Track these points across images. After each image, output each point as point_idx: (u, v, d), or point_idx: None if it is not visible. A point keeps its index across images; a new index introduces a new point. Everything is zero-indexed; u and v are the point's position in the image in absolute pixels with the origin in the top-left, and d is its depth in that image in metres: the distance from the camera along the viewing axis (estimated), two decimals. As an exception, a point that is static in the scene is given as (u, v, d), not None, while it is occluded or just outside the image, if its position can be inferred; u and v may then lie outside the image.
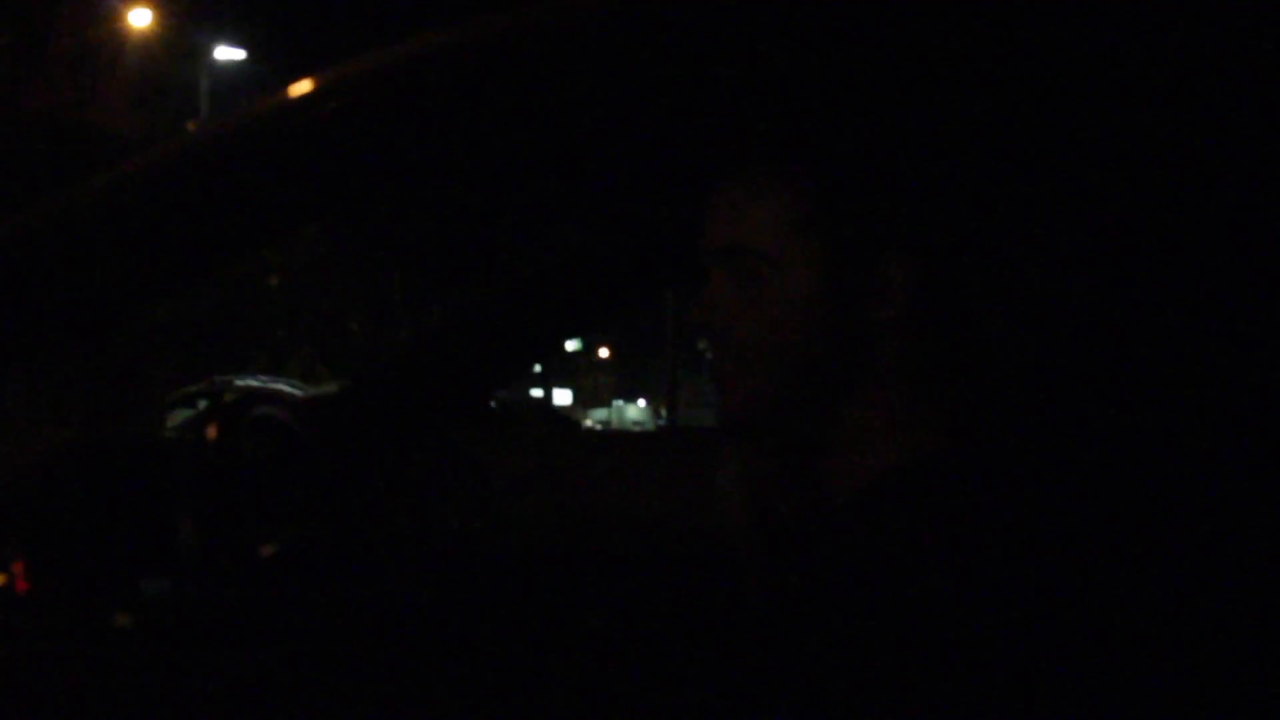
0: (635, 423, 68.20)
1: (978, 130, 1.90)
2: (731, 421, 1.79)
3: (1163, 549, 1.57)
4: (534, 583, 2.67)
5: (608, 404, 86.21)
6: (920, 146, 1.83)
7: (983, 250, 1.85)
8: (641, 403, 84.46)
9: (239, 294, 28.16)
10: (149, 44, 41.69)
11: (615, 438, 33.30)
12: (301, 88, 1.74)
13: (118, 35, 42.05)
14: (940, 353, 1.74)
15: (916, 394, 1.74)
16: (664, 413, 50.81)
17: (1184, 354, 1.63)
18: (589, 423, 57.66)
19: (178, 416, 22.90)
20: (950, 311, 1.74)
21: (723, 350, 1.80)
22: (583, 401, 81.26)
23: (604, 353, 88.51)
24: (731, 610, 2.10)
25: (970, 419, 1.78)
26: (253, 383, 24.34)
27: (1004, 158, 1.92)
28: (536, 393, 55.73)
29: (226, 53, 40.69)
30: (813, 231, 1.72)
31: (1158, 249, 1.66)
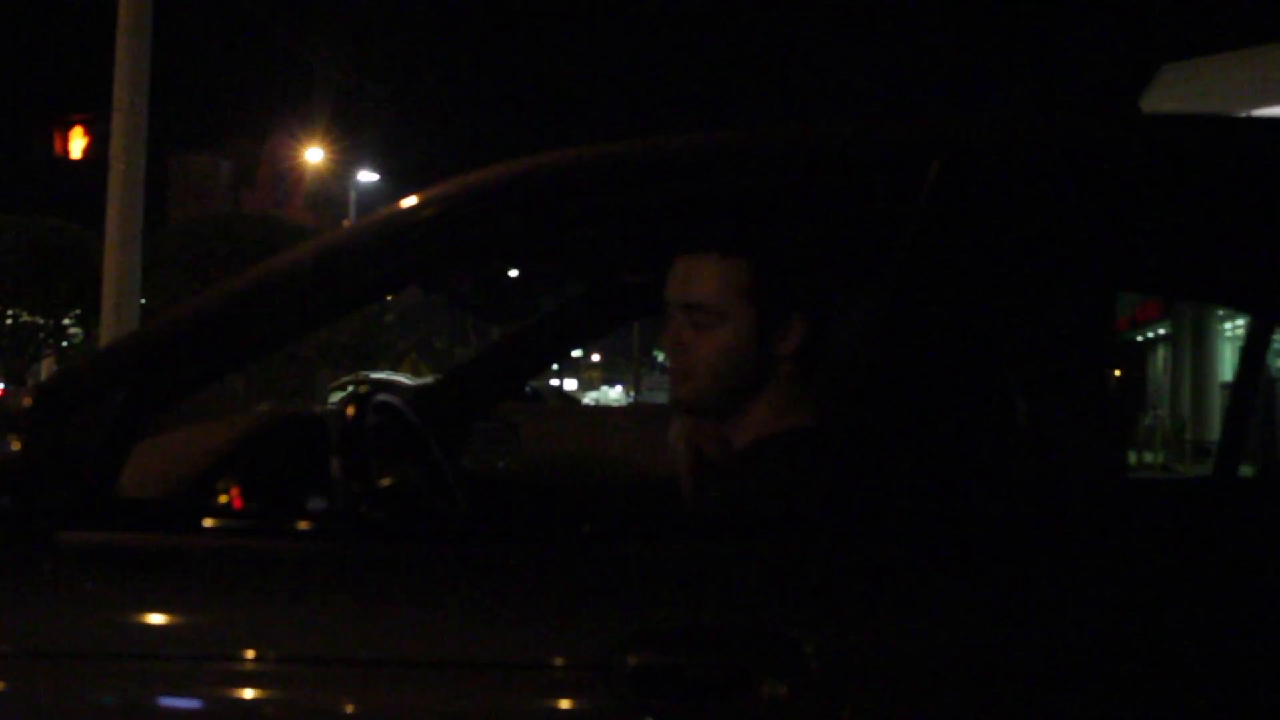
0: (614, 400, 68.10)
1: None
2: (681, 404, 1.97)
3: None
4: (549, 498, 2.65)
5: (598, 389, 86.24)
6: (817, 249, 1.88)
7: (842, 312, 1.89)
8: (619, 388, 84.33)
9: (372, 322, 27.95)
10: (319, 170, 41.45)
11: (601, 408, 33.57)
12: (409, 201, 1.73)
13: (300, 163, 41.82)
14: (810, 368, 1.82)
15: (793, 393, 1.81)
16: (632, 394, 51.51)
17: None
18: (586, 399, 57.59)
19: (335, 396, 22.79)
20: (820, 344, 1.82)
21: (677, 362, 1.93)
22: (582, 387, 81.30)
23: (595, 357, 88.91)
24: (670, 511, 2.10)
25: (822, 408, 1.84)
26: (380, 376, 24.28)
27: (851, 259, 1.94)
28: (555, 382, 55.44)
29: (367, 175, 40.52)
30: (749, 298, 1.87)
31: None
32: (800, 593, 1.45)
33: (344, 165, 42.80)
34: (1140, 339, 27.42)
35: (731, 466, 1.87)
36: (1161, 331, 26.20)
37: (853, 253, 2.09)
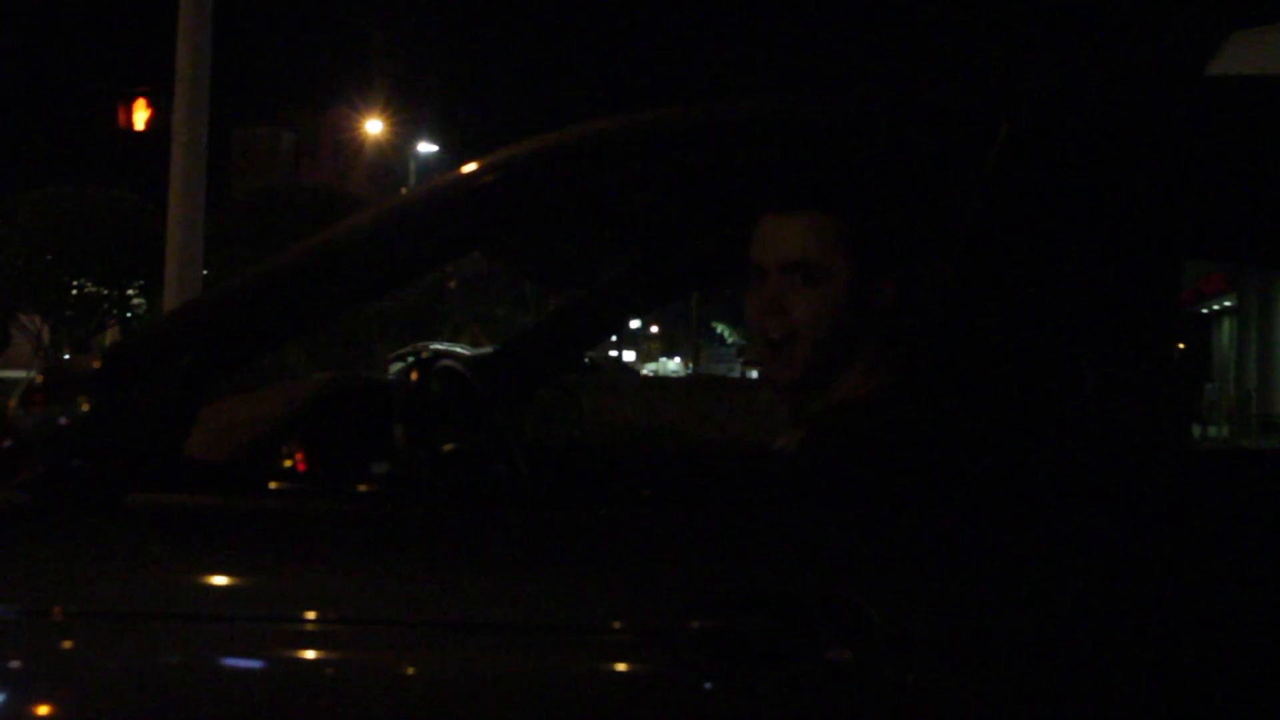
0: (673, 371, 68.08)
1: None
2: (781, 384, 1.91)
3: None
4: (609, 464, 2.66)
5: (656, 360, 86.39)
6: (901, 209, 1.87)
7: (928, 273, 1.87)
8: (677, 359, 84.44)
9: (432, 292, 28.05)
10: (379, 141, 41.67)
11: (661, 380, 33.60)
12: (467, 168, 1.73)
13: (360, 135, 42.04)
14: (895, 332, 1.81)
15: (878, 357, 1.87)
16: (690, 365, 51.51)
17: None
18: (644, 371, 57.67)
19: (394, 367, 22.91)
20: (907, 307, 1.80)
21: (774, 329, 1.87)
22: (641, 358, 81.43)
23: (654, 328, 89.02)
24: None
25: (904, 374, 1.83)
26: (439, 346, 24.32)
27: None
28: (613, 353, 55.51)
29: (426, 147, 40.72)
30: (849, 253, 1.84)
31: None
32: (868, 559, 1.45)
33: (404, 136, 43.07)
34: (1205, 311, 27.01)
35: (811, 435, 1.86)
36: (1227, 304, 25.78)
37: (928, 216, 2.07)
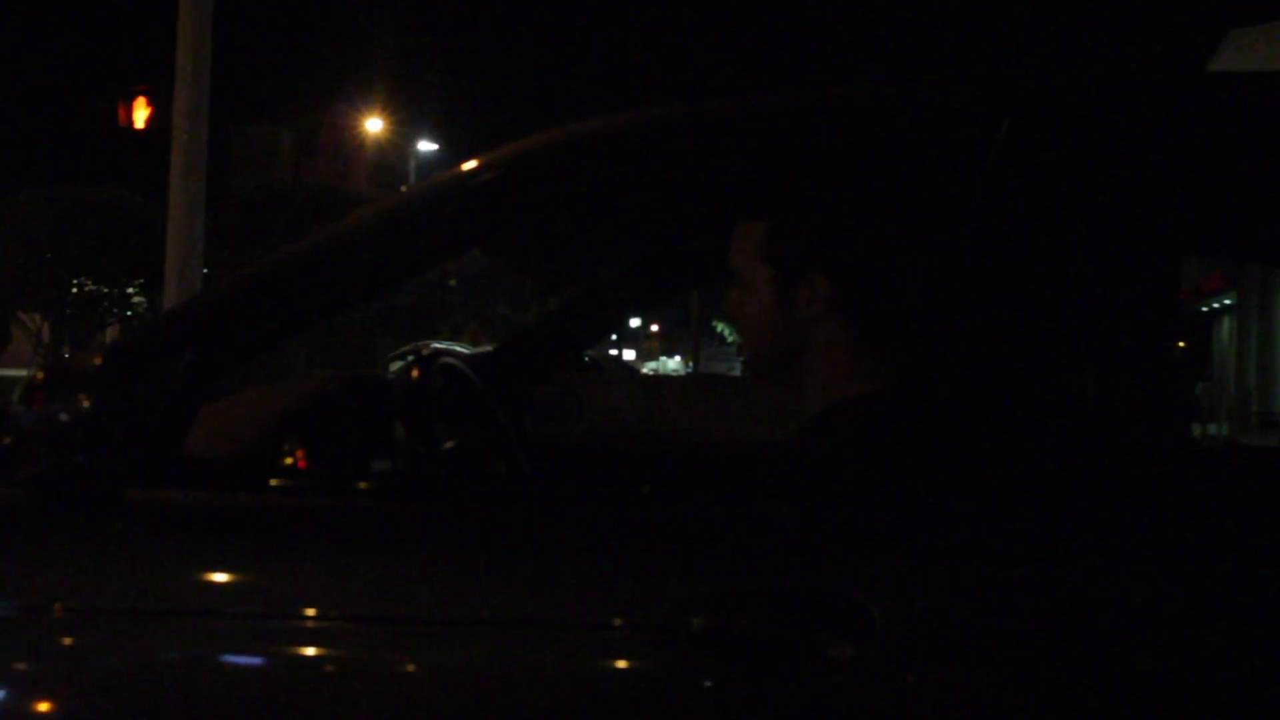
0: (673, 370, 68.12)
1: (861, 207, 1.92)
2: (749, 370, 1.99)
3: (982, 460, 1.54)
4: (609, 460, 2.66)
5: (656, 359, 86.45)
6: (829, 214, 1.85)
7: (878, 270, 1.85)
8: (677, 358, 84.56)
9: (432, 291, 28.08)
10: (379, 140, 41.70)
11: (661, 378, 33.59)
12: (467, 166, 1.74)
13: (360, 134, 42.08)
14: (861, 331, 1.80)
15: (848, 358, 1.79)
16: (690, 364, 51.54)
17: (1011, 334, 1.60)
18: (645, 370, 57.70)
19: (394, 366, 22.90)
20: (862, 308, 1.79)
21: (738, 328, 1.97)
22: (641, 357, 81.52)
23: (654, 327, 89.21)
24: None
25: (881, 375, 1.82)
26: (439, 346, 24.32)
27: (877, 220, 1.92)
28: (613, 351, 55.55)
29: (426, 145, 40.77)
30: (766, 258, 1.86)
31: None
32: (868, 557, 1.44)
33: (404, 135, 43.12)
34: (1205, 309, 27.01)
35: (801, 433, 1.87)
36: (1227, 302, 25.79)
37: (893, 214, 2.06)
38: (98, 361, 1.64)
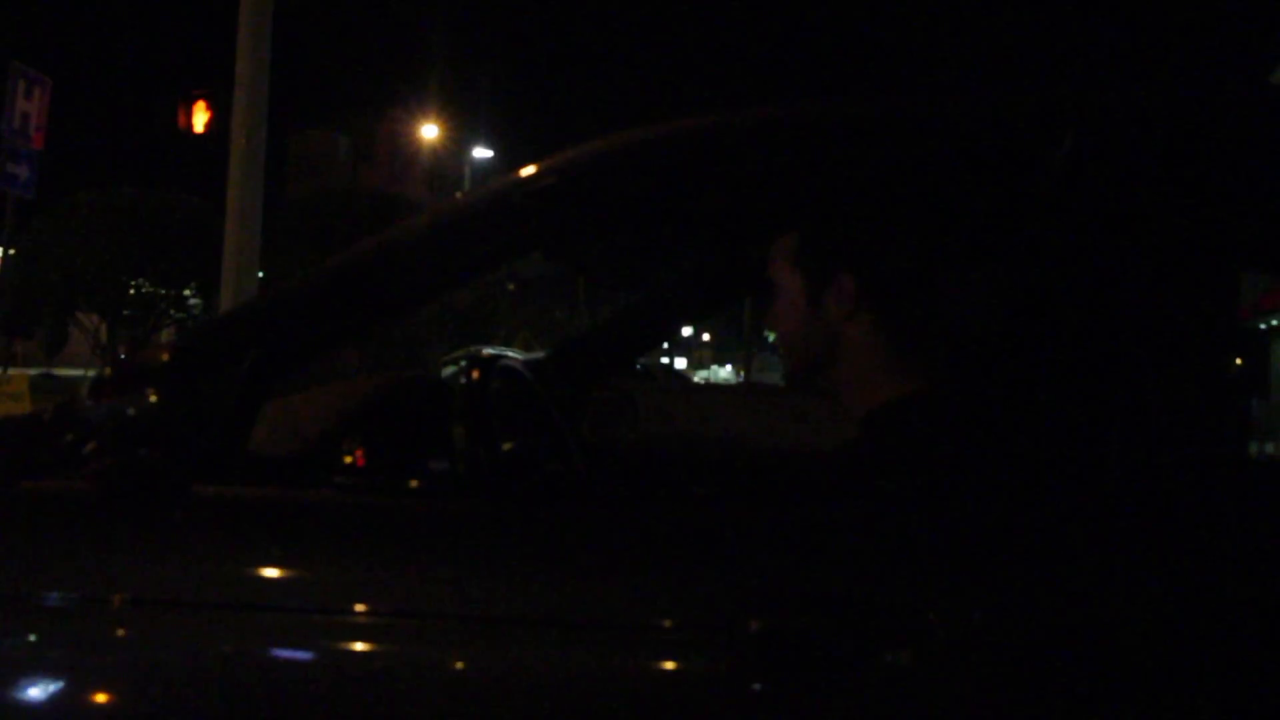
0: (725, 379, 67.79)
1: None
2: (789, 378, 1.95)
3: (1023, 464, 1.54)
4: (664, 465, 2.67)
5: (708, 367, 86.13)
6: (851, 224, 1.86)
7: (902, 268, 1.86)
8: (729, 367, 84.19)
9: (487, 295, 28.15)
10: (434, 147, 41.91)
11: (713, 386, 33.51)
12: (526, 170, 1.75)
13: (416, 141, 42.31)
14: (897, 333, 1.80)
15: (880, 362, 1.80)
16: (743, 373, 51.27)
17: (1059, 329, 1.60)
18: (696, 378, 57.42)
19: (446, 370, 22.92)
20: (889, 306, 1.79)
21: (777, 336, 1.98)
22: (693, 366, 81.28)
23: (706, 336, 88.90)
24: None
25: (917, 375, 1.82)
26: (491, 351, 24.24)
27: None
28: (664, 360, 55.39)
29: (481, 152, 40.96)
30: (796, 264, 1.90)
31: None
32: (927, 563, 1.45)
33: (460, 142, 43.29)
34: (1264, 326, 26.56)
35: (852, 437, 1.88)
36: (1286, 319, 25.35)
37: (925, 218, 2.06)
38: (165, 359, 1.67)
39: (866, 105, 1.77)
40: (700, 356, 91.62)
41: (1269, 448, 19.63)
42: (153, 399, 1.63)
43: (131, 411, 1.63)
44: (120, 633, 1.51)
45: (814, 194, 1.94)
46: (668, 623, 1.43)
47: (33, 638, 1.52)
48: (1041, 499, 1.50)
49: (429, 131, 41.62)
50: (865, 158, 1.80)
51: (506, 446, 1.72)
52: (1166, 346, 1.68)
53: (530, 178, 1.75)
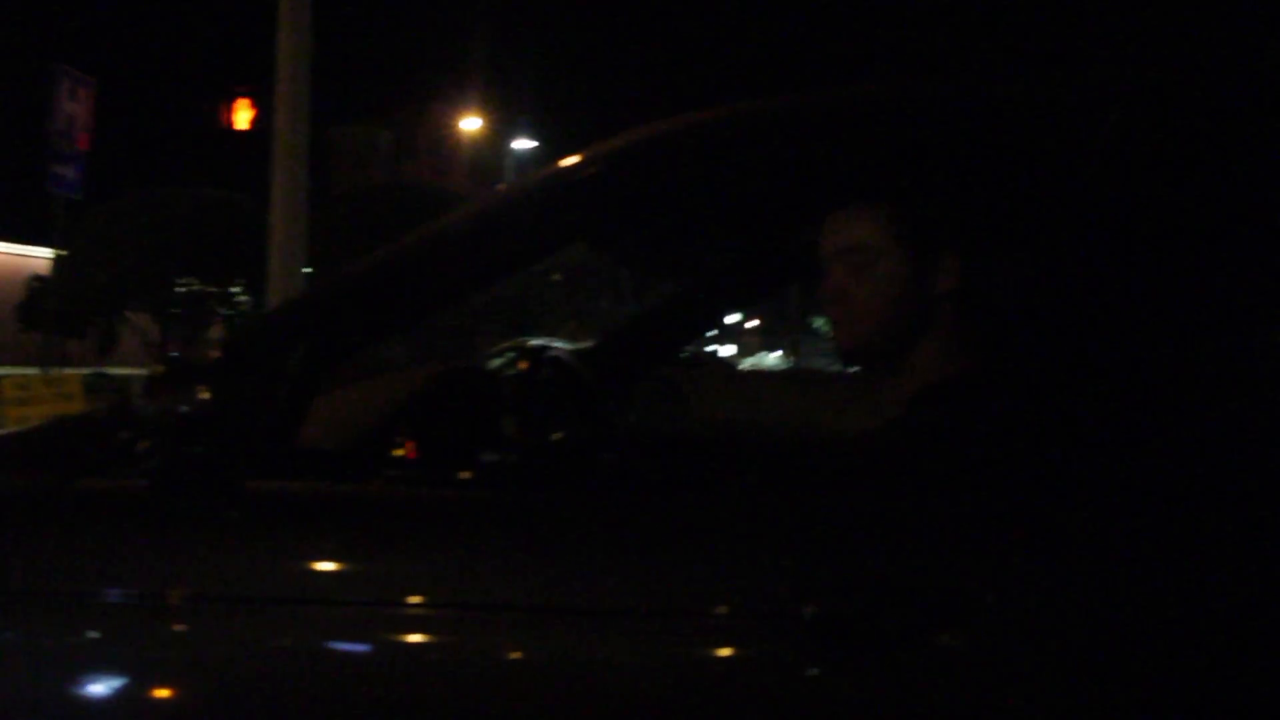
0: (772, 365, 67.62)
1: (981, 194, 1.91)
2: (848, 356, 1.98)
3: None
4: (712, 451, 2.67)
5: (755, 354, 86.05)
6: (955, 200, 1.85)
7: (1001, 251, 1.86)
8: (778, 353, 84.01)
9: (534, 286, 28.20)
10: (476, 139, 42.05)
11: (762, 373, 33.44)
12: (569, 160, 1.75)
13: (458, 133, 42.46)
14: (972, 314, 1.80)
15: (956, 339, 1.80)
16: (792, 359, 51.18)
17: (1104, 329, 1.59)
18: (744, 365, 57.31)
19: (494, 362, 22.90)
20: (981, 288, 1.79)
21: (839, 312, 1.93)
22: (741, 353, 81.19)
23: (753, 323, 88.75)
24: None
25: (977, 355, 1.82)
26: (538, 342, 24.21)
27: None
28: (712, 347, 55.32)
29: (523, 143, 41.07)
30: (901, 235, 1.87)
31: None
32: (979, 545, 1.45)
33: (501, 133, 43.38)
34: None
35: (904, 417, 1.87)
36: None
37: (1018, 200, 2.05)
38: (215, 357, 1.69)
39: (950, 84, 1.76)
40: (748, 343, 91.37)
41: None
42: (204, 397, 1.65)
43: (184, 409, 1.64)
44: (178, 628, 1.52)
45: (916, 172, 1.93)
46: (724, 609, 1.43)
47: (93, 634, 1.54)
48: (1095, 476, 1.48)
49: (470, 124, 41.83)
50: (956, 136, 1.79)
51: (556, 437, 1.72)
52: (1217, 330, 1.66)
53: (574, 167, 1.75)
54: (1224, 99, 1.65)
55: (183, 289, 23.24)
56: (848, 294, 1.92)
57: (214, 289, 23.42)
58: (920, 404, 1.84)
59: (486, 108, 42.50)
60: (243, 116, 11.62)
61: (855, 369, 1.99)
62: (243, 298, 23.62)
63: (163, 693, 1.52)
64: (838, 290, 1.94)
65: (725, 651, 1.42)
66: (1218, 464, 1.50)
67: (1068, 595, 1.39)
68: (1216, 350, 1.63)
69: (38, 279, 21.87)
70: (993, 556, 1.42)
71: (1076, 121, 1.64)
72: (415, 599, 1.50)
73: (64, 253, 20.49)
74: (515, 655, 1.47)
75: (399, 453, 2.11)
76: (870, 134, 1.77)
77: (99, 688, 1.52)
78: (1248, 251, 1.82)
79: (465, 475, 1.71)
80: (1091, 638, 1.37)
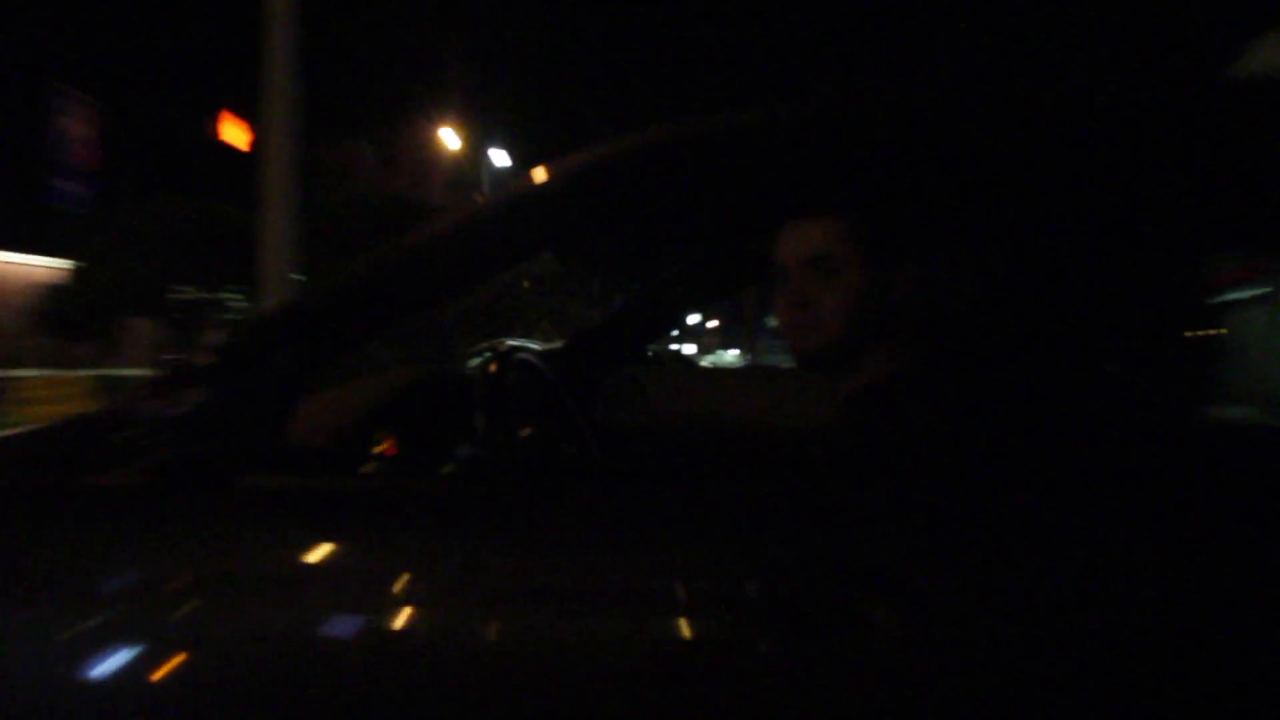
0: (730, 363, 67.60)
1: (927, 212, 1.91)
2: (807, 358, 1.96)
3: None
4: (675, 449, 2.67)
5: (714, 352, 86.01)
6: (902, 214, 1.86)
7: (947, 256, 1.87)
8: (735, 351, 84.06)
9: (506, 292, 28.15)
10: (454, 154, 41.88)
11: (719, 371, 33.38)
12: (536, 174, 1.76)
13: (437, 148, 42.25)
14: (915, 320, 1.81)
15: (899, 342, 1.83)
16: (748, 357, 51.22)
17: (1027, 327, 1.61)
18: (704, 362, 57.28)
19: (472, 362, 22.87)
20: (925, 297, 1.80)
21: (801, 318, 1.93)
22: (700, 351, 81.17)
23: (712, 323, 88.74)
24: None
25: (913, 355, 1.83)
26: (513, 342, 24.15)
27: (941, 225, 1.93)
28: (674, 346, 55.27)
29: (498, 157, 40.97)
30: (862, 249, 1.88)
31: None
32: (912, 530, 1.46)
33: (477, 149, 43.27)
34: (1234, 299, 26.41)
35: (848, 414, 1.88)
36: (1256, 292, 25.21)
37: (953, 213, 2.06)
38: (208, 361, 1.69)
39: (894, 100, 1.76)
40: (707, 342, 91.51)
41: (1239, 411, 19.55)
42: (198, 398, 1.65)
43: (180, 410, 1.65)
44: (177, 612, 1.53)
45: (874, 187, 1.93)
46: (683, 592, 1.44)
47: (98, 620, 1.54)
48: (1021, 466, 1.50)
49: (448, 138, 41.66)
50: (907, 150, 1.79)
51: (524, 432, 1.72)
52: (1140, 324, 1.68)
53: (540, 181, 1.75)
54: (1138, 128, 1.67)
55: (180, 296, 23.09)
56: (808, 300, 1.93)
57: (209, 295, 23.29)
58: (867, 402, 1.85)
59: (463, 124, 42.37)
60: (236, 132, 11.56)
61: (807, 369, 1.98)
62: (236, 304, 23.50)
63: (164, 673, 1.51)
64: (798, 296, 1.94)
65: (687, 631, 1.43)
66: (1115, 455, 1.52)
67: (989, 575, 1.40)
68: (1135, 347, 1.65)
69: (55, 287, 21.75)
70: (924, 541, 1.43)
71: (1007, 141, 1.64)
72: (395, 582, 1.51)
73: (83, 264, 20.38)
74: (488, 635, 1.47)
75: (379, 449, 2.11)
76: (824, 150, 1.77)
77: (105, 670, 1.52)
78: (1165, 253, 1.84)
79: (440, 469, 1.71)
80: (1008, 613, 1.38)
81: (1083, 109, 1.65)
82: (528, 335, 32.52)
